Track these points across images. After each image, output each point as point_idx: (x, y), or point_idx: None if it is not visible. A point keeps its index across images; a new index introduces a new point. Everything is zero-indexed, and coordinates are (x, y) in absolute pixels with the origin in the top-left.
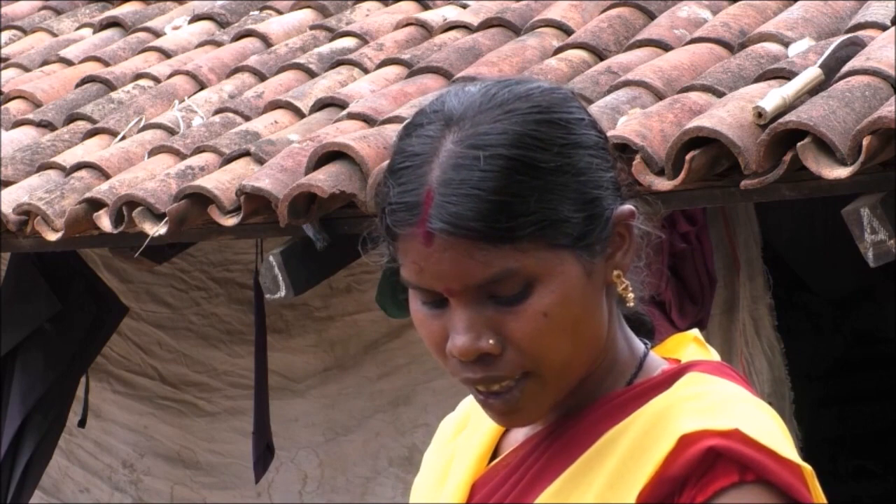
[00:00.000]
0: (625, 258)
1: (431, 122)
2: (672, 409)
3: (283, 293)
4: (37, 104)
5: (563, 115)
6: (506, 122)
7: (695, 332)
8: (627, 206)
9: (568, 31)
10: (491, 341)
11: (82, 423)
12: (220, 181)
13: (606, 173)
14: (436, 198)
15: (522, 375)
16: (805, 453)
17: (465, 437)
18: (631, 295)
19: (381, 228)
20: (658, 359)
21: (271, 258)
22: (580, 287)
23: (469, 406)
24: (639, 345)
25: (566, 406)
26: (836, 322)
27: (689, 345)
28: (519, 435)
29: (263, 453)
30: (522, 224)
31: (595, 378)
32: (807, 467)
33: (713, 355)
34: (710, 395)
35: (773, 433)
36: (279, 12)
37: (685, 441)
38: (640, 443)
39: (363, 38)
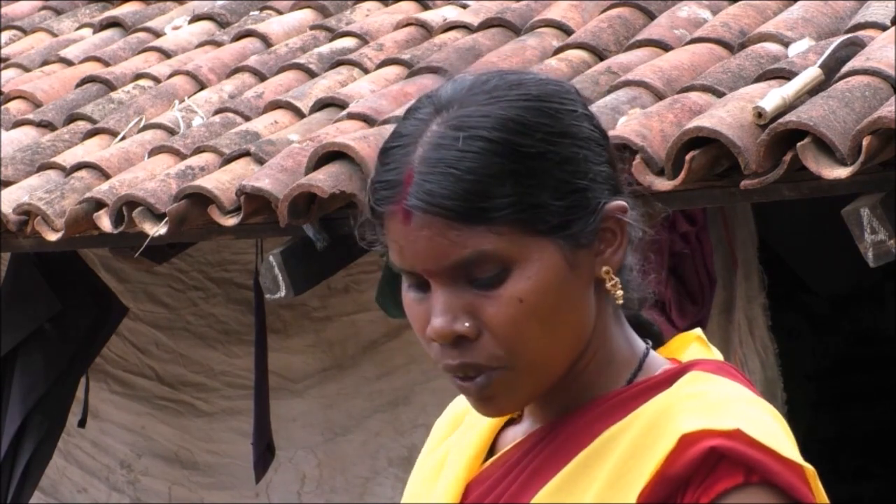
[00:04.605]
0: (615, 254)
1: (424, 107)
2: (672, 408)
3: (283, 293)
4: (37, 104)
5: (552, 104)
6: (492, 106)
7: (697, 331)
8: (619, 202)
9: (568, 32)
10: (467, 324)
11: (82, 424)
12: (220, 181)
13: (598, 167)
14: (415, 176)
15: (497, 369)
16: (805, 453)
17: (458, 436)
18: (620, 292)
19: (368, 209)
20: (660, 358)
21: (271, 258)
22: (560, 277)
23: (463, 405)
24: (640, 344)
25: (563, 404)
26: (836, 322)
27: (692, 344)
28: (516, 432)
29: (264, 453)
30: (497, 206)
31: (593, 376)
32: (809, 467)
33: (716, 354)
34: (711, 395)
35: (776, 433)
36: (279, 12)
37: (686, 441)
38: (641, 442)
39: (363, 38)
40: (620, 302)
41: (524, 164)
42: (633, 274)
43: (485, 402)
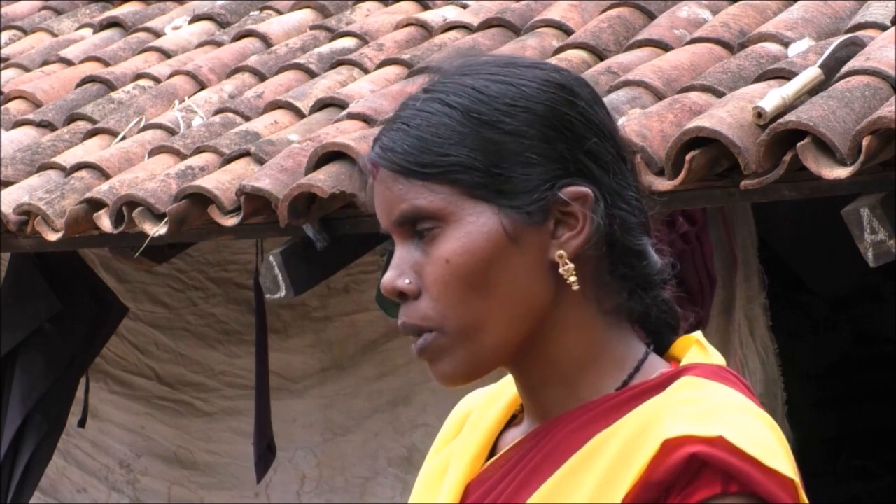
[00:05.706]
0: (572, 241)
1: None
2: (661, 413)
3: (283, 293)
4: (37, 104)
5: (531, 83)
6: (468, 76)
7: (697, 334)
8: (578, 188)
9: (568, 32)
10: (407, 281)
11: (82, 424)
12: (220, 181)
13: (568, 150)
14: (383, 131)
15: (432, 331)
16: (805, 454)
17: (461, 437)
18: (573, 279)
19: None
20: (659, 361)
21: (271, 258)
22: (495, 245)
23: (467, 407)
24: (639, 346)
25: (554, 402)
26: (836, 322)
27: (691, 347)
28: (516, 433)
29: (265, 453)
30: (437, 163)
31: (589, 378)
32: (795, 479)
33: (714, 358)
34: (702, 401)
35: (763, 442)
36: (279, 12)
37: (668, 446)
38: (629, 446)
39: (363, 39)
40: (575, 289)
41: (473, 129)
42: (660, 293)
43: (432, 368)
